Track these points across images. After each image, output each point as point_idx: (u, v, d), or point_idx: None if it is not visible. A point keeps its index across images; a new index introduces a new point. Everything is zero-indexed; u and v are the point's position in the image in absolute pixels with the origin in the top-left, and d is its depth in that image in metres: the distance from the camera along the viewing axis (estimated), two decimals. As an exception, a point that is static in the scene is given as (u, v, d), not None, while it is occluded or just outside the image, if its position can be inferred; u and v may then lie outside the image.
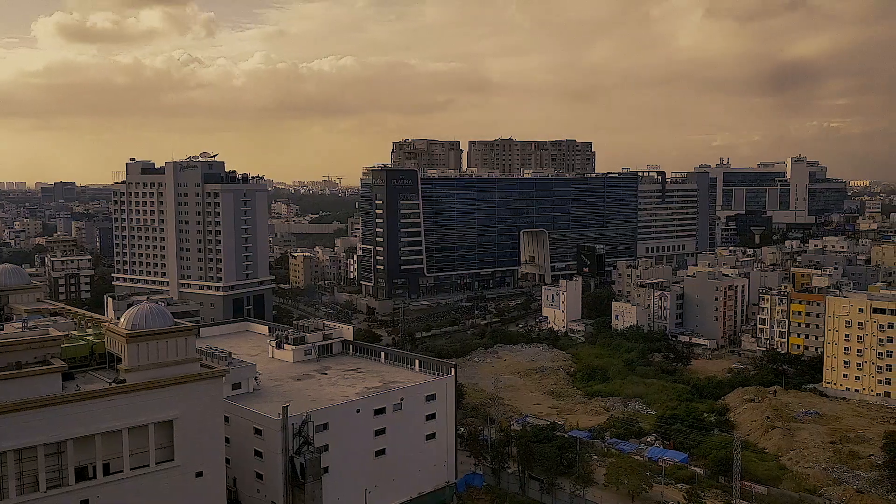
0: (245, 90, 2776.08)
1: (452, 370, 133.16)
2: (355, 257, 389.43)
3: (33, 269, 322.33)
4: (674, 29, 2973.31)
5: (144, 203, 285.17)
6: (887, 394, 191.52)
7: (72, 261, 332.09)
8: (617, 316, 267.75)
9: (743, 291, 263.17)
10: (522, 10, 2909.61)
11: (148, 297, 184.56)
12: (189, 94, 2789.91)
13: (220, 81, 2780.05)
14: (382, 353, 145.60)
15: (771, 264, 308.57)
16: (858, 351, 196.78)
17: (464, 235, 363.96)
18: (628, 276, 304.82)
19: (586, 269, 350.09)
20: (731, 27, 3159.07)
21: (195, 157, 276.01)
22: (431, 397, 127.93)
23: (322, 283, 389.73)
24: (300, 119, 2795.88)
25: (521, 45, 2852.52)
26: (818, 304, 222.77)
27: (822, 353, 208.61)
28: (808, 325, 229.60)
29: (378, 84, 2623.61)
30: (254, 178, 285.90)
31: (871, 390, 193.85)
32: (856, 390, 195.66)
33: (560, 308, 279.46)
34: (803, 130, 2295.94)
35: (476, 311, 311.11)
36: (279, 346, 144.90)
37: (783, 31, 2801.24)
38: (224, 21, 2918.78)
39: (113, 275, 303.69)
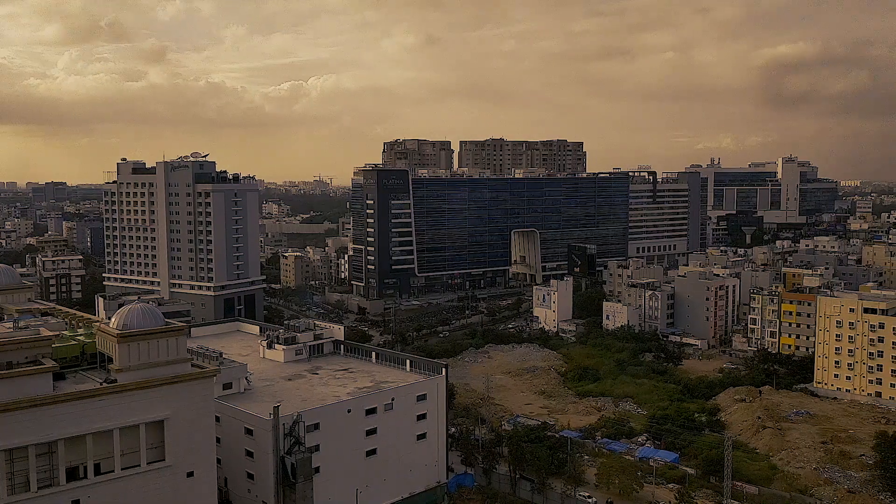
0: (251, 102, 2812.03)
1: (443, 370, 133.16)
2: (346, 257, 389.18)
3: (24, 269, 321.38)
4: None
5: (135, 203, 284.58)
6: (878, 394, 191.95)
7: (63, 261, 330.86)
8: (608, 316, 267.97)
9: (734, 291, 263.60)
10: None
11: (139, 297, 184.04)
12: (200, 108, 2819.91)
13: (233, 99, 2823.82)
14: (373, 353, 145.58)
15: (762, 264, 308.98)
16: (849, 351, 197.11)
17: (455, 235, 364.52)
18: (619, 276, 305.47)
19: (577, 269, 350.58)
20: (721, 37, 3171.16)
21: (186, 157, 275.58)
22: (422, 397, 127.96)
23: (313, 283, 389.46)
24: (295, 124, 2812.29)
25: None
26: (809, 305, 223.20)
27: (813, 353, 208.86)
28: (799, 326, 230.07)
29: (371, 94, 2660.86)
30: (245, 177, 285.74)
31: (862, 390, 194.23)
32: (847, 390, 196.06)
33: (551, 308, 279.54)
34: (796, 131, 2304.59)
35: (467, 311, 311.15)
36: (270, 346, 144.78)
37: (771, 38, 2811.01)
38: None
39: (104, 275, 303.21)
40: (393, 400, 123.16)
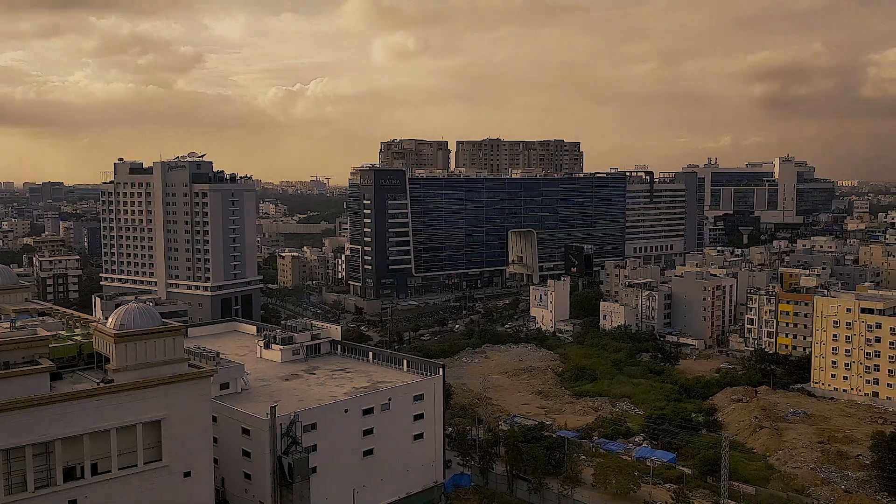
0: (252, 105, 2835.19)
1: (440, 370, 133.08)
2: (343, 257, 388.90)
3: (21, 269, 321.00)
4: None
5: (132, 203, 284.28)
6: (875, 394, 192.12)
7: (60, 261, 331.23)
8: (605, 316, 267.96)
9: (731, 291, 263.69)
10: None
11: (136, 297, 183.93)
12: (203, 111, 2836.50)
13: (237, 103, 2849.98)
14: (370, 353, 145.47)
15: (759, 264, 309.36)
16: (846, 351, 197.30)
17: (452, 235, 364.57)
18: (616, 276, 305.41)
19: (574, 269, 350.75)
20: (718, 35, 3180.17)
21: (183, 156, 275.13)
22: (419, 397, 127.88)
23: (310, 283, 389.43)
24: (293, 126, 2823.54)
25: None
26: (806, 305, 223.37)
27: (810, 353, 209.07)
28: (796, 326, 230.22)
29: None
30: (242, 177, 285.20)
31: (859, 390, 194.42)
32: (844, 390, 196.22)
33: (548, 308, 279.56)
34: (793, 132, 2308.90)
35: (464, 312, 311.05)
36: (267, 346, 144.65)
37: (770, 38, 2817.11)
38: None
39: (101, 275, 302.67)
40: (390, 400, 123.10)
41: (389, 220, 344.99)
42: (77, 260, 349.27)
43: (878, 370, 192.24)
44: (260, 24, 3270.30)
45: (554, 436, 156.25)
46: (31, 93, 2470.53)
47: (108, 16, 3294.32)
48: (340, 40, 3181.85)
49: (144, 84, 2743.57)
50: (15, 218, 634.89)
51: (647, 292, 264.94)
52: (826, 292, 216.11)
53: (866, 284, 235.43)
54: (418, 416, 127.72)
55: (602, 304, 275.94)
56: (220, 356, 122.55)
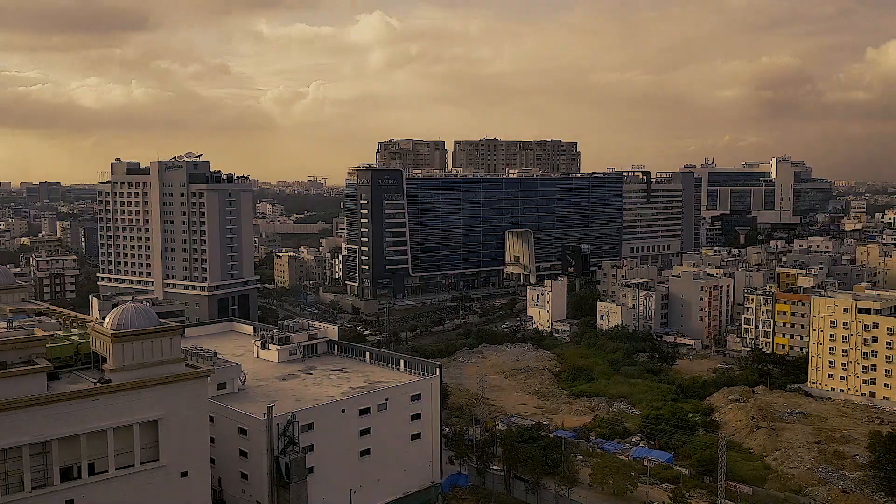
0: (251, 106, 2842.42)
1: (437, 370, 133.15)
2: (340, 257, 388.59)
3: (18, 269, 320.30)
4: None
5: (129, 203, 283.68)
6: (872, 394, 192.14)
7: (57, 261, 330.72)
8: (602, 316, 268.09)
9: (728, 291, 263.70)
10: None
11: (133, 297, 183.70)
12: (205, 115, 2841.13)
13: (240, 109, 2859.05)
14: (367, 353, 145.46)
15: (756, 264, 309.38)
16: (843, 351, 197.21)
17: (449, 235, 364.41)
18: (613, 276, 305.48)
19: (571, 269, 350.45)
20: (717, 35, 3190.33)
21: (180, 156, 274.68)
22: (416, 397, 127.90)
23: (307, 283, 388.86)
24: (291, 126, 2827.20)
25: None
26: (803, 305, 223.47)
27: (807, 353, 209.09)
28: (793, 325, 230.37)
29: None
30: (239, 177, 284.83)
31: (856, 390, 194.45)
32: (841, 390, 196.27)
33: (545, 308, 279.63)
34: (790, 133, 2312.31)
35: (461, 312, 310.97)
36: (264, 346, 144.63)
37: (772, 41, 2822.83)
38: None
39: (98, 275, 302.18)
40: (387, 400, 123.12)
41: (386, 220, 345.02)
42: (74, 260, 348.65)
43: (875, 370, 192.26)
44: (271, 32, 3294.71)
45: (551, 436, 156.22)
46: (48, 93, 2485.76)
47: (137, 33, 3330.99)
48: (344, 48, 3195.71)
49: (155, 90, 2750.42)
50: (12, 218, 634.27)
51: (644, 292, 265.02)
52: (823, 292, 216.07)
53: (863, 284, 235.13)
54: (415, 416, 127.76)
55: (599, 304, 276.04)
56: (217, 356, 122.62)
